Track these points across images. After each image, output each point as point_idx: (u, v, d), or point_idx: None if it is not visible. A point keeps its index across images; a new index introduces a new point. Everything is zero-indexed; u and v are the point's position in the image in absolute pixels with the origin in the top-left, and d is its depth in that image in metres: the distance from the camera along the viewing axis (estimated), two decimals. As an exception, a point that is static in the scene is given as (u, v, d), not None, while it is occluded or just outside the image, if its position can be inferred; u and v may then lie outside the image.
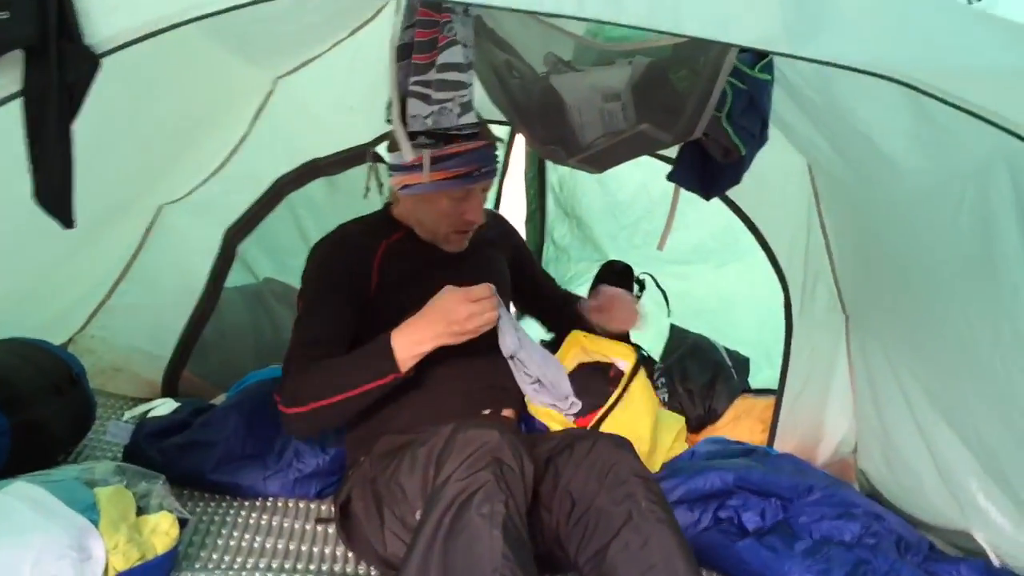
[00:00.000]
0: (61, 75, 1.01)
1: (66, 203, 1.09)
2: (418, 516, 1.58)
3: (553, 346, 2.39)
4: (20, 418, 1.97)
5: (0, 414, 1.93)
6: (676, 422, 2.65)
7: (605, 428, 2.11)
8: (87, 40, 1.05)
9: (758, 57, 1.68)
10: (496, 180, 3.77)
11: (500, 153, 2.08)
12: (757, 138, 1.75)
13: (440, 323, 1.80)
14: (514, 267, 2.37)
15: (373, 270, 2.03)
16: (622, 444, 1.75)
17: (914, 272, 2.05)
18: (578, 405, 1.98)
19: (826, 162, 2.08)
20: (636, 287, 2.54)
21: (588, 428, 2.08)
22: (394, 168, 2.04)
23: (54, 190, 1.06)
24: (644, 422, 2.23)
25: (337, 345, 1.93)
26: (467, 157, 1.96)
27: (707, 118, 1.69)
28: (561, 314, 2.49)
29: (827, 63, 1.20)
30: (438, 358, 1.86)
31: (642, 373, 2.20)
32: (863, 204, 2.14)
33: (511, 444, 1.57)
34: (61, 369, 2.24)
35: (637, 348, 2.22)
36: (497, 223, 2.35)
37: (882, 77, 1.22)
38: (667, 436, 2.43)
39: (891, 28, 1.19)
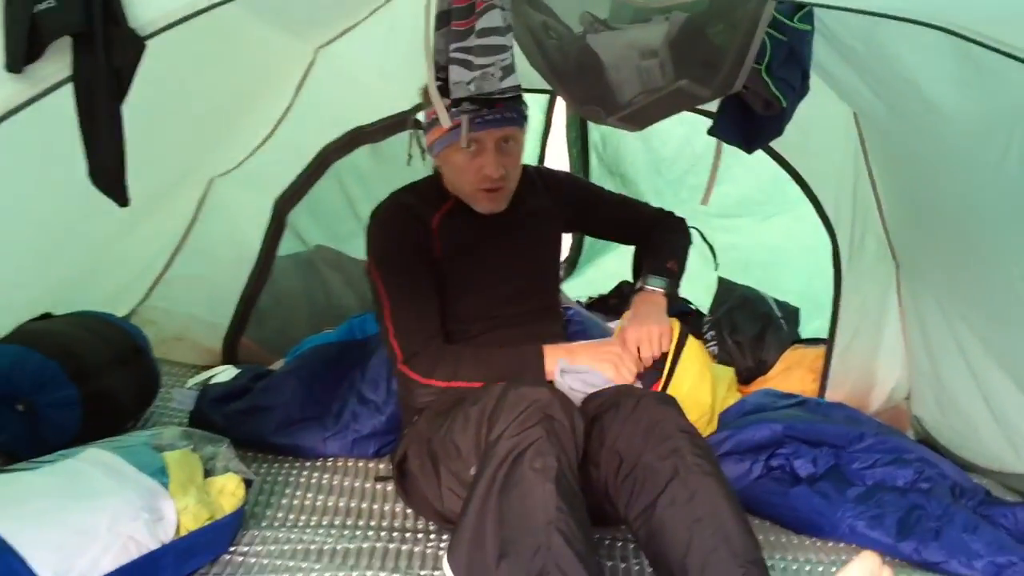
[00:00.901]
0: (108, 59, 1.05)
1: (119, 182, 1.13)
2: (473, 472, 1.61)
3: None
4: (90, 389, 2.05)
5: (71, 385, 2.01)
6: (725, 374, 2.66)
7: (673, 384, 2.10)
8: (132, 24, 1.08)
9: (797, 7, 1.66)
10: (538, 140, 3.77)
11: (525, 107, 2.02)
12: (798, 90, 1.73)
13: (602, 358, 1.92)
14: (580, 217, 2.34)
15: (435, 242, 2.03)
16: (667, 400, 1.76)
17: (964, 218, 2.01)
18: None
19: (871, 110, 2.04)
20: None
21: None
22: (426, 129, 2.04)
23: (107, 170, 1.10)
24: (703, 388, 2.22)
25: (437, 310, 2.00)
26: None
27: (746, 71, 1.67)
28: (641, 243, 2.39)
29: (865, 12, 1.18)
30: (490, 325, 1.96)
31: (692, 341, 2.17)
32: (910, 151, 2.09)
33: (561, 400, 1.60)
34: (126, 340, 2.30)
35: (683, 316, 2.17)
36: (547, 184, 2.28)
37: (922, 24, 1.20)
38: (719, 389, 2.43)
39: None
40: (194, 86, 1.97)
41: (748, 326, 3.11)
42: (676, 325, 2.13)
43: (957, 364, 2.44)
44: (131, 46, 1.06)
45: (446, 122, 1.78)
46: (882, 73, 1.79)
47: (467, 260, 2.05)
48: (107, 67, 1.05)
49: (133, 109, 1.38)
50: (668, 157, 3.52)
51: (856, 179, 2.57)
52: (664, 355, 2.06)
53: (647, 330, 2.03)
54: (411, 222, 2.04)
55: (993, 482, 2.35)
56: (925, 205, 2.25)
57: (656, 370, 2.06)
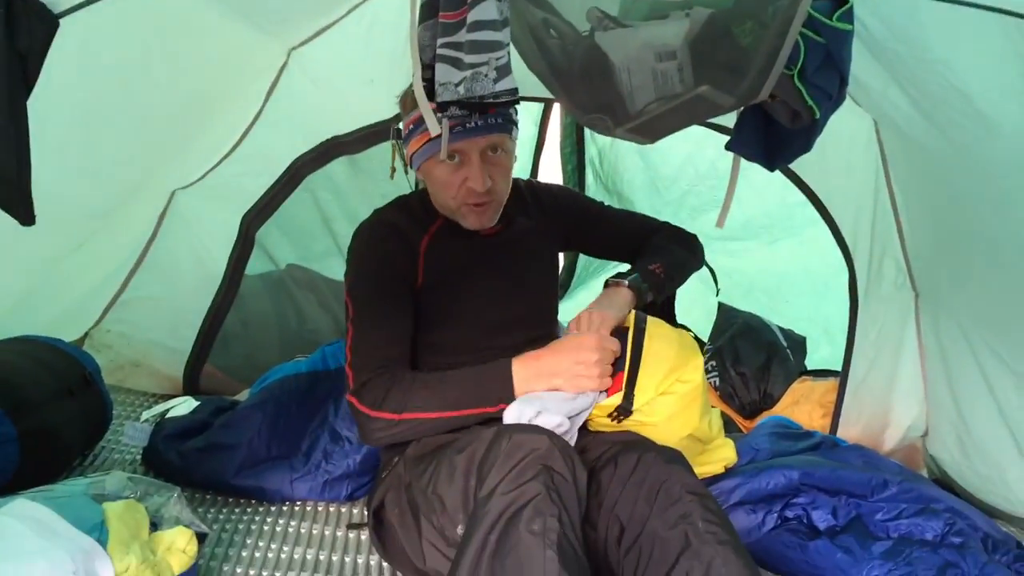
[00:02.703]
0: (11, 41, 0.83)
1: (22, 194, 0.89)
2: (460, 530, 1.46)
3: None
4: (29, 425, 1.89)
5: (7, 421, 1.84)
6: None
7: (640, 385, 1.72)
8: (42, -3, 0.87)
9: (835, 5, 1.46)
10: (530, 155, 3.58)
11: (514, 111, 1.81)
12: (834, 99, 1.53)
13: (567, 360, 1.66)
14: (578, 234, 2.15)
15: (419, 267, 1.87)
16: (673, 458, 1.58)
17: (1005, 244, 1.85)
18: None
19: (904, 123, 1.87)
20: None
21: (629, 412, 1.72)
22: (405, 139, 1.85)
23: (6, 179, 0.86)
24: (677, 373, 1.77)
25: (406, 342, 1.81)
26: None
27: (775, 77, 1.47)
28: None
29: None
30: (480, 357, 1.73)
31: (654, 323, 1.81)
32: (947, 169, 1.92)
33: (562, 450, 1.43)
34: (74, 369, 2.16)
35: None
36: (539, 199, 2.11)
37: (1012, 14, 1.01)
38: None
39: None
40: (147, 82, 1.79)
41: (752, 356, 2.96)
42: (632, 315, 1.83)
43: (984, 402, 2.30)
44: (40, 24, 0.84)
45: (434, 128, 1.59)
46: (925, 81, 1.61)
47: (455, 286, 1.88)
48: (9, 50, 0.83)
49: (74, 108, 1.17)
50: (668, 176, 3.34)
51: (876, 200, 2.41)
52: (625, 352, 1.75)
53: (586, 314, 1.78)
54: (395, 243, 1.87)
55: (1021, 530, 2.22)
56: (958, 229, 2.09)
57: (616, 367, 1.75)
